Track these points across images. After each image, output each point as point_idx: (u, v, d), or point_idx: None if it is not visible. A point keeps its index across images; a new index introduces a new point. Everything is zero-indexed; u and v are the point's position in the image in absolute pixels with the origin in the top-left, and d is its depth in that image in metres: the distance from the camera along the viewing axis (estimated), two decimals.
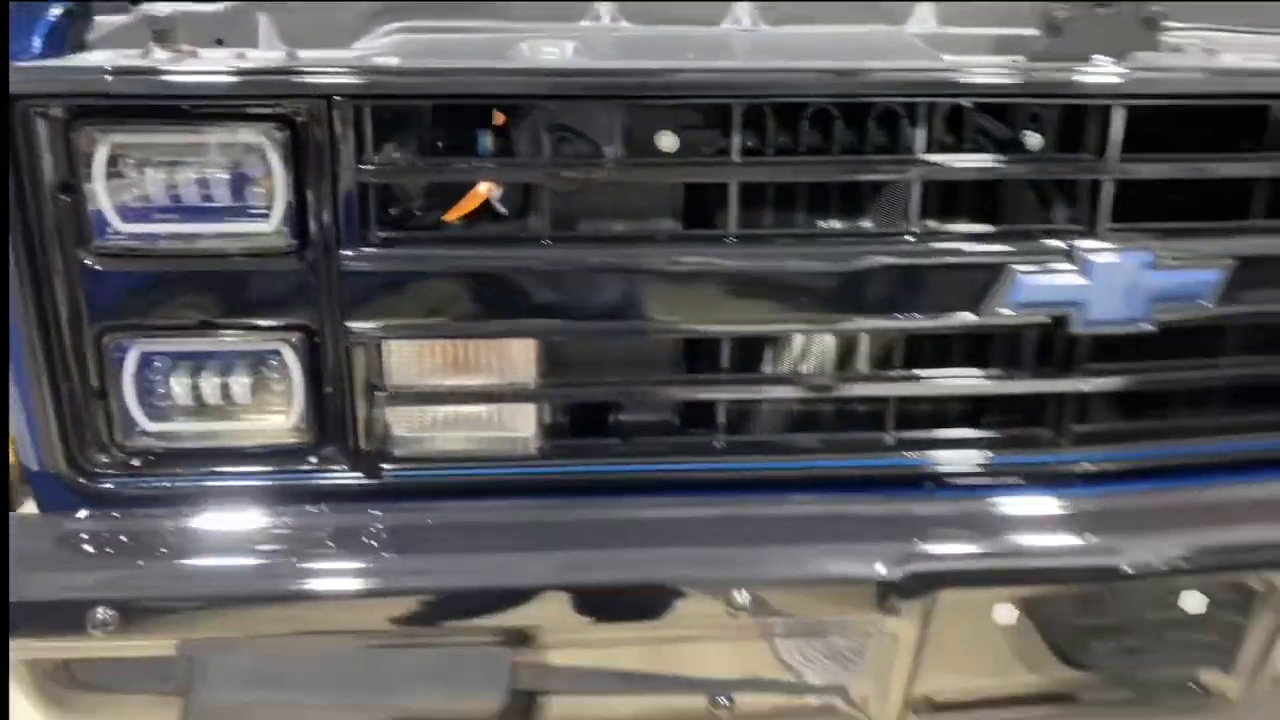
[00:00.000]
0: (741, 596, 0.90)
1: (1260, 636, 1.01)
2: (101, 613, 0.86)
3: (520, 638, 0.94)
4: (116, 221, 0.87)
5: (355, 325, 0.90)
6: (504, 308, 0.93)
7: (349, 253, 0.88)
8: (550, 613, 0.93)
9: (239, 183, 0.87)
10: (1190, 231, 0.97)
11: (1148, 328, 0.96)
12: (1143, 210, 0.96)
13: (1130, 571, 0.96)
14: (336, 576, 0.92)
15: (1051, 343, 0.99)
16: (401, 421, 0.96)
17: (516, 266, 0.92)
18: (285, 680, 0.91)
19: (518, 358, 0.95)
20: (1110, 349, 0.99)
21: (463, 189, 0.92)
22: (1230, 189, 0.99)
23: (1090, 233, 0.95)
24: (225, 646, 0.89)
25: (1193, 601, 0.98)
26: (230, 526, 0.94)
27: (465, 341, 0.94)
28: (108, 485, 0.94)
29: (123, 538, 0.92)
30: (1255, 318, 1.01)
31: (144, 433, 0.94)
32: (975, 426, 1.03)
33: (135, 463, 0.94)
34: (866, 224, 0.98)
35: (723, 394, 1.00)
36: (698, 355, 1.01)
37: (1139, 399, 1.04)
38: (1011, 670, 1.01)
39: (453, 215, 0.93)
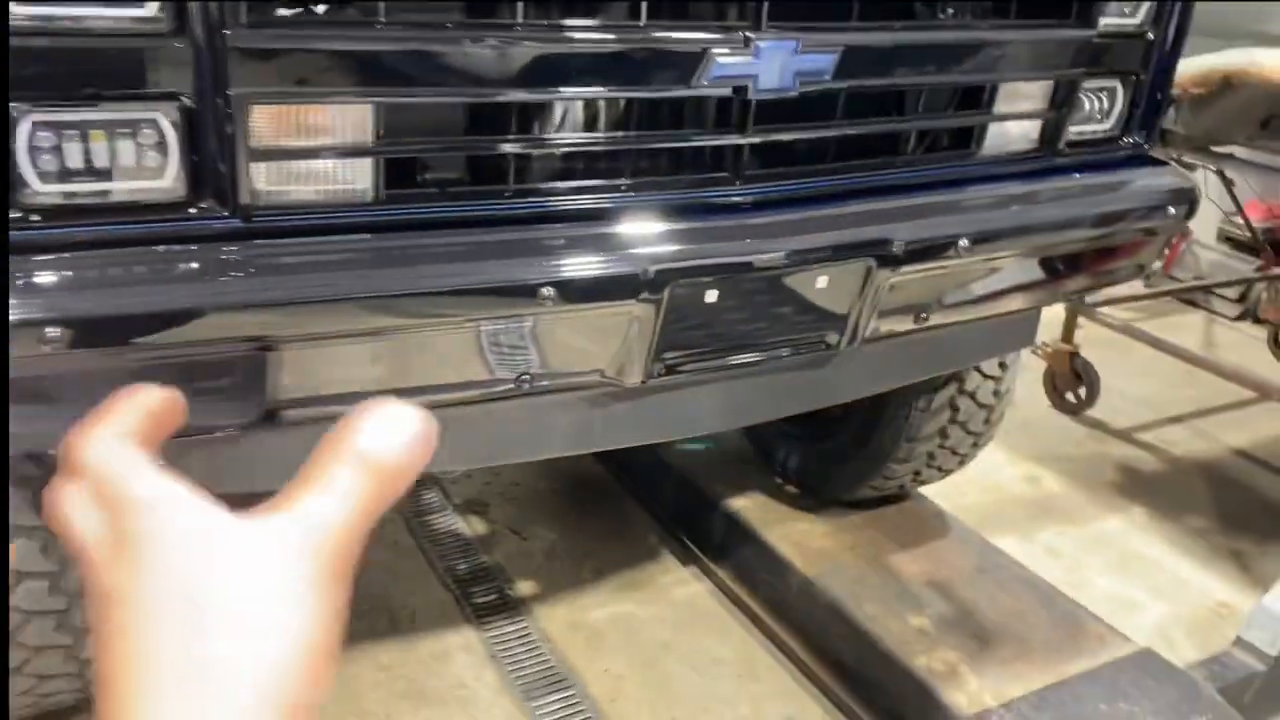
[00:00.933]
0: (547, 290, 1.26)
1: (861, 305, 1.54)
2: (50, 331, 1.05)
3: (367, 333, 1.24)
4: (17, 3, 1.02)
5: (231, 93, 1.12)
6: (347, 79, 1.18)
7: (228, 32, 1.09)
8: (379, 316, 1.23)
9: None
10: (817, 28, 1.42)
11: (793, 94, 1.41)
12: (791, 13, 1.38)
13: (784, 261, 1.43)
14: (210, 294, 1.15)
15: (731, 107, 1.41)
16: (262, 177, 1.19)
17: (355, 47, 1.17)
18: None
19: (357, 121, 1.21)
20: (769, 113, 1.43)
21: None
22: None
23: (757, 28, 1.36)
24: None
25: (821, 281, 1.48)
26: (122, 262, 1.14)
27: (316, 106, 1.18)
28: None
29: (46, 273, 1.09)
30: (856, 89, 1.50)
31: (36, 193, 1.10)
32: (681, 171, 1.44)
33: (34, 218, 1.10)
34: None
35: (505, 149, 1.32)
36: (488, 119, 1.32)
37: (787, 148, 1.50)
38: (717, 339, 1.46)
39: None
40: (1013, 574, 2.51)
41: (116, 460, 0.43)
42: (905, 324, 1.63)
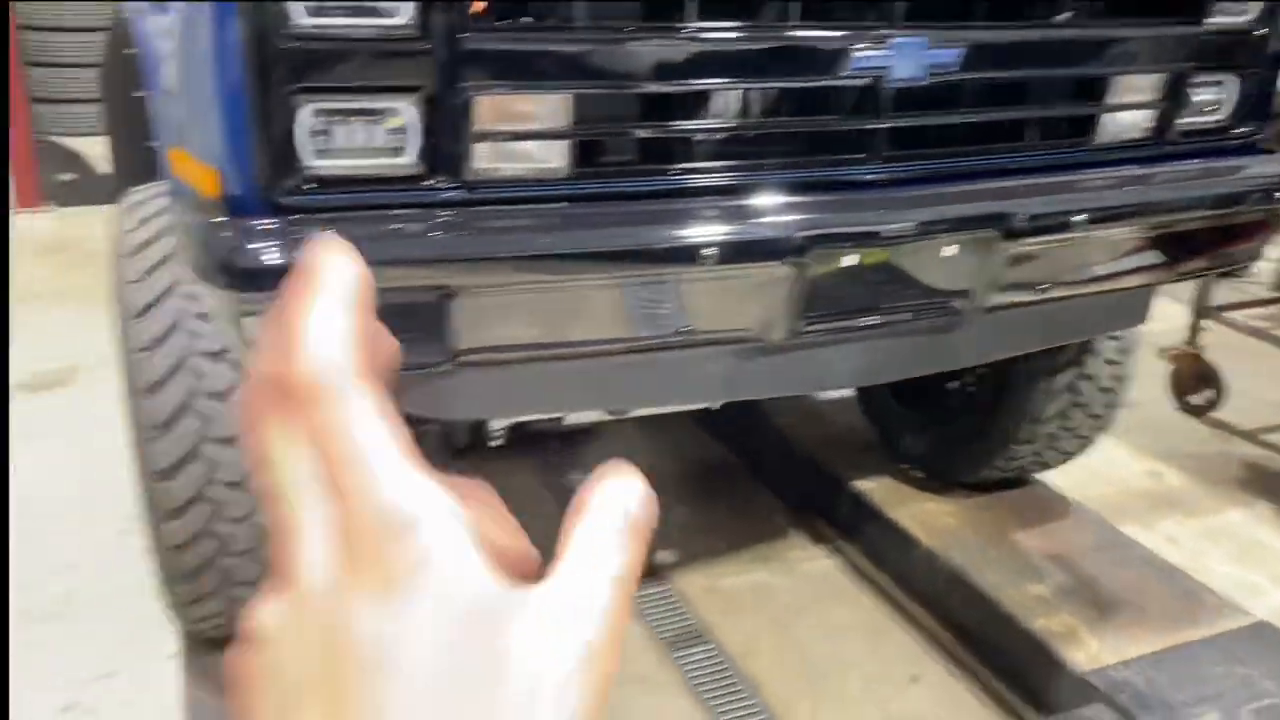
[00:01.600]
0: (709, 251, 1.49)
1: (984, 274, 1.72)
2: None
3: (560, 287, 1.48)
4: (302, 17, 1.30)
5: (463, 85, 1.39)
6: (551, 73, 1.44)
7: (462, 36, 1.36)
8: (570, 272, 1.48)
9: None
10: (945, 26, 1.62)
11: (924, 83, 1.61)
12: (922, 12, 1.59)
13: (915, 231, 1.63)
14: (449, 246, 1.42)
15: (869, 95, 1.62)
16: (483, 156, 1.45)
17: (559, 47, 1.43)
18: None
19: (557, 109, 1.47)
20: (902, 100, 1.64)
21: None
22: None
23: (892, 26, 1.57)
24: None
25: (949, 250, 1.67)
26: (376, 224, 1.41)
27: (527, 96, 1.44)
28: (292, 201, 1.38)
29: (318, 230, 1.37)
30: (979, 79, 1.69)
31: (310, 167, 1.39)
32: (824, 152, 1.66)
33: (308, 186, 1.39)
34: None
35: (675, 132, 1.56)
36: (661, 106, 1.56)
37: (919, 131, 1.70)
38: (853, 301, 1.66)
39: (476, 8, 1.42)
40: (1132, 553, 2.62)
41: (352, 419, 0.33)
42: (1025, 295, 1.81)
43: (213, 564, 1.82)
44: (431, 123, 1.40)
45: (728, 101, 1.59)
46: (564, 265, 1.45)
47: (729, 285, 1.56)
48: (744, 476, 3.32)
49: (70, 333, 4.28)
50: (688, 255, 1.49)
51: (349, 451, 0.33)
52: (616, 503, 0.40)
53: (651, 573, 2.82)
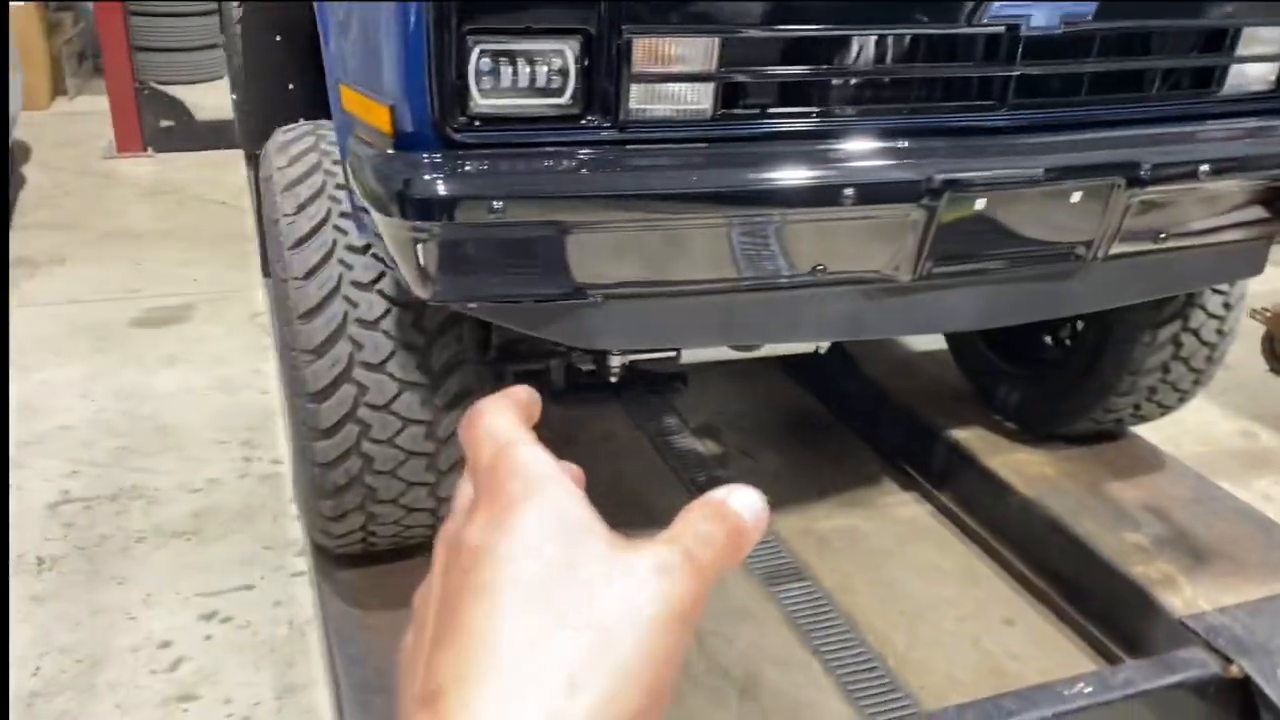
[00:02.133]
0: (849, 191, 1.56)
1: (1107, 220, 1.76)
2: (495, 202, 1.42)
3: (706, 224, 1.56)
4: None
5: (624, 28, 1.46)
6: (703, 17, 1.51)
7: None
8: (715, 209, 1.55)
9: None
10: None
11: (1058, 33, 1.65)
12: None
13: (1043, 176, 1.68)
14: (599, 181, 1.50)
15: (1001, 43, 1.66)
16: (636, 97, 1.53)
17: None
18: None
19: (705, 52, 1.54)
20: (1034, 49, 1.68)
21: None
22: None
23: None
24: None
25: (1075, 196, 1.72)
26: (536, 159, 1.50)
27: (679, 39, 1.51)
28: (462, 137, 1.47)
29: (482, 164, 1.46)
30: (1112, 30, 1.72)
31: (478, 105, 1.47)
32: (955, 99, 1.71)
33: (476, 124, 1.48)
34: None
35: (814, 77, 1.62)
36: (801, 51, 1.62)
37: (1048, 80, 1.74)
38: (979, 244, 1.72)
39: None
40: (1228, 505, 2.64)
41: (512, 430, 0.46)
42: (1144, 243, 1.84)
43: (358, 481, 1.94)
44: (590, 64, 1.48)
45: (867, 47, 1.65)
46: (711, 204, 1.52)
47: (864, 226, 1.62)
48: (833, 425, 3.39)
49: (180, 271, 4.47)
50: (828, 196, 1.55)
51: (508, 446, 0.45)
52: (731, 507, 0.45)
53: None
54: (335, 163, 1.96)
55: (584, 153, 1.51)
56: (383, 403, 1.89)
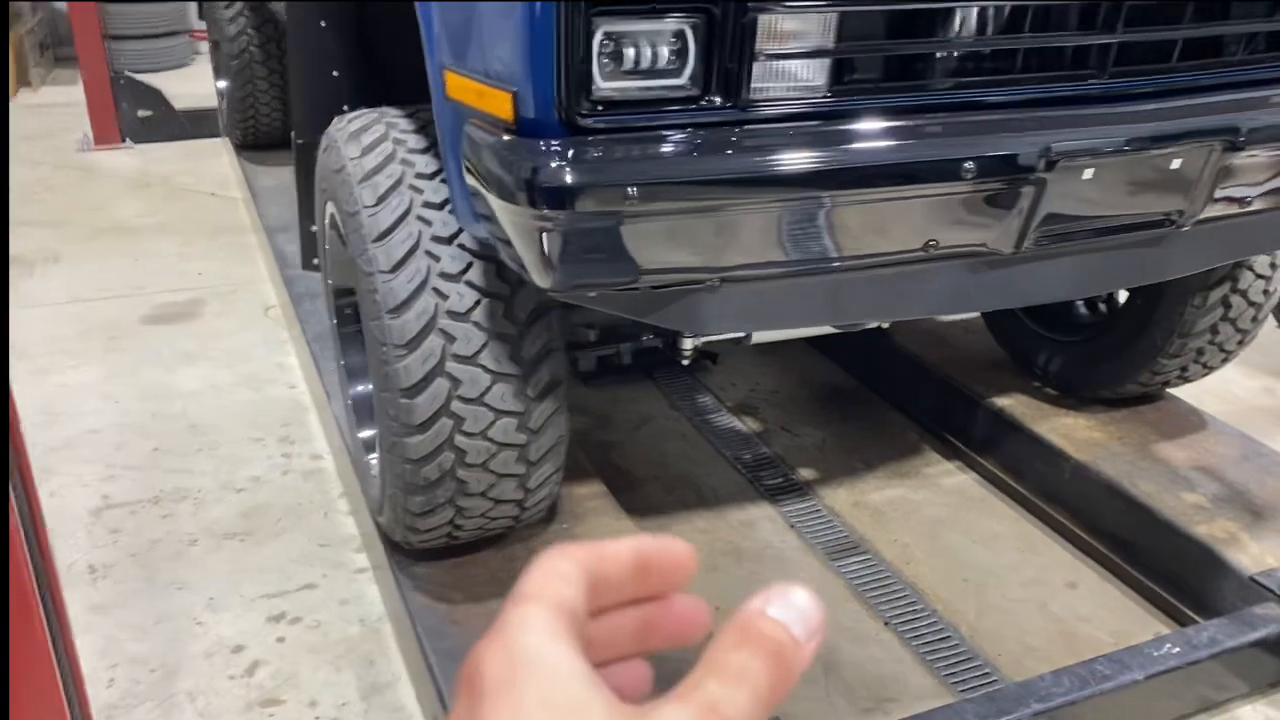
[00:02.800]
0: (969, 165, 1.55)
1: (1203, 186, 1.77)
2: (631, 189, 1.39)
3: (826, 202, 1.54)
4: None
5: (750, 4, 1.43)
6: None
7: None
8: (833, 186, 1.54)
9: None
10: None
11: None
12: None
13: (1149, 144, 1.68)
14: (732, 163, 1.48)
15: (1105, 11, 1.65)
16: (757, 75, 1.51)
17: None
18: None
19: (823, 28, 1.51)
20: (1134, 16, 1.67)
21: None
22: None
23: None
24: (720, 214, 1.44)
25: (1175, 162, 1.72)
26: (665, 143, 1.47)
27: (801, 15, 1.49)
28: (587, 122, 1.44)
29: (609, 150, 1.43)
30: None
31: (599, 89, 1.44)
32: (1056, 68, 1.70)
33: (598, 108, 1.45)
34: None
35: (927, 50, 1.61)
36: (908, 26, 1.60)
37: (1140, 47, 1.74)
38: (1082, 213, 1.72)
39: None
40: (1275, 460, 2.69)
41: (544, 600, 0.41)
42: (1232, 207, 1.86)
43: (449, 475, 1.91)
44: (710, 44, 1.45)
45: (974, 19, 1.63)
46: (841, 182, 1.51)
47: (980, 199, 1.61)
48: (869, 398, 3.40)
49: (181, 265, 4.37)
50: (950, 170, 1.54)
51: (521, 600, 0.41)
52: (768, 623, 0.39)
53: (796, 489, 2.92)
54: (411, 151, 1.91)
55: (708, 135, 1.49)
56: (476, 395, 1.86)
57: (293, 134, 2.57)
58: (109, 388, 3.35)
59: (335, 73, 2.40)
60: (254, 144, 5.16)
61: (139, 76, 6.28)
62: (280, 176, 4.87)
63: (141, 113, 6.03)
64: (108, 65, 5.84)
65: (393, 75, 2.36)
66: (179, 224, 4.86)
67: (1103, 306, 2.95)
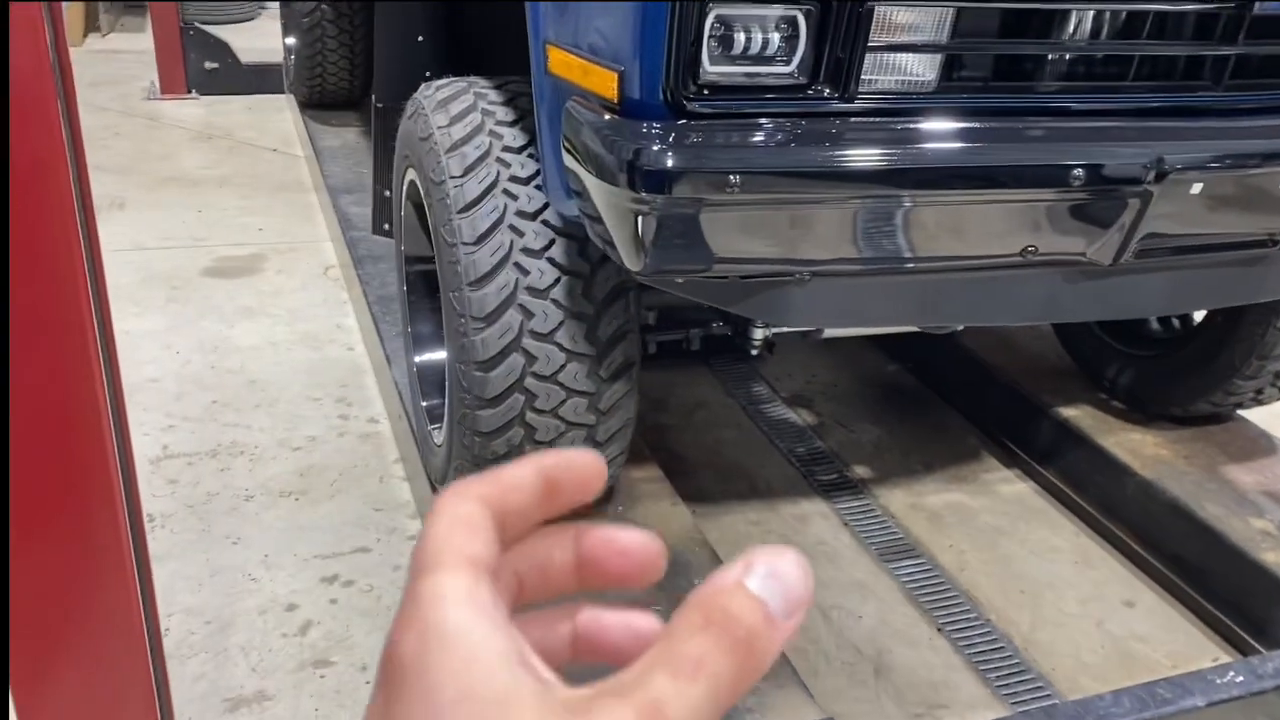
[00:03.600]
0: (1078, 172, 1.50)
1: None
2: (733, 177, 1.36)
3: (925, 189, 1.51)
4: None
5: None
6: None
7: None
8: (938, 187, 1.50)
9: None
10: None
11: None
12: None
13: (1258, 159, 1.63)
14: (836, 156, 1.45)
15: (1229, 20, 1.60)
16: (867, 67, 1.47)
17: None
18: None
19: (939, 22, 1.48)
20: (1257, 28, 1.62)
21: None
22: None
23: None
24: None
25: None
26: (770, 132, 1.44)
27: (915, 8, 1.45)
28: (692, 106, 1.41)
29: (712, 136, 1.41)
30: None
31: (707, 72, 1.41)
32: (1178, 78, 1.65)
33: (705, 92, 1.42)
34: None
35: (1037, 51, 1.56)
36: (1020, 25, 1.56)
37: (1255, 61, 1.69)
38: (1184, 228, 1.67)
39: None
40: None
41: (454, 543, 0.36)
42: None
43: (517, 451, 1.90)
44: (822, 33, 1.42)
45: (1088, 21, 1.58)
46: (945, 181, 1.47)
47: (1083, 207, 1.57)
48: (928, 398, 3.35)
49: (243, 219, 4.40)
50: (1058, 176, 1.50)
51: (429, 559, 0.36)
52: (738, 604, 0.33)
53: (851, 487, 2.89)
54: (499, 124, 1.90)
55: (813, 125, 1.45)
56: (550, 373, 1.84)
57: (373, 97, 2.56)
58: (170, 338, 3.38)
59: (421, 38, 2.39)
60: (319, 103, 5.18)
61: (207, 28, 6.31)
62: (345, 137, 4.88)
63: (208, 64, 6.06)
64: (178, 15, 5.87)
65: (480, 45, 2.34)
66: (241, 178, 4.88)
67: (1177, 322, 2.89)
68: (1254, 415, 2.94)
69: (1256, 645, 2.31)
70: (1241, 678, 2.04)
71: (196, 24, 6.13)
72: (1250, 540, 2.41)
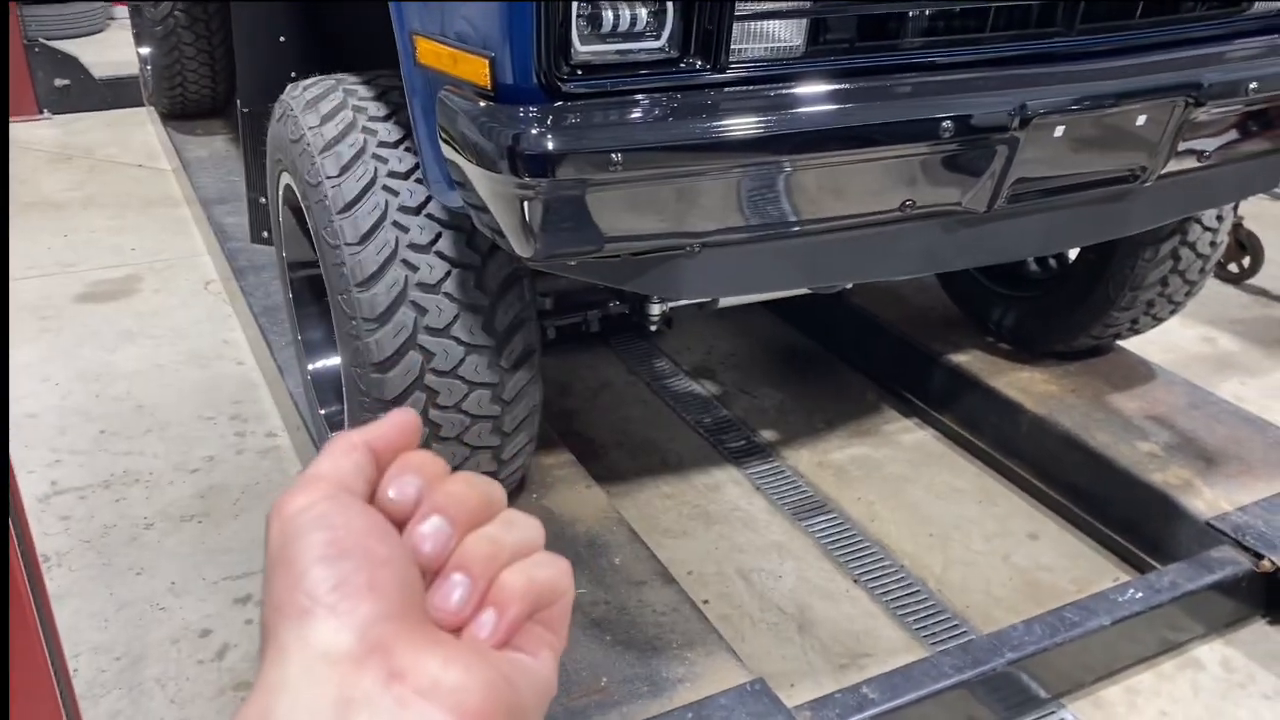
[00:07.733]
0: (947, 125, 1.55)
1: (1166, 141, 1.80)
2: (615, 155, 1.36)
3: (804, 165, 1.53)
4: None
5: None
6: None
7: None
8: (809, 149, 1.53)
9: None
10: None
11: None
12: None
13: (1119, 100, 1.70)
14: (714, 127, 1.46)
15: None
16: (738, 36, 1.48)
17: None
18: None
19: None
20: None
21: None
22: None
23: None
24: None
25: (1141, 119, 1.74)
26: (647, 108, 1.44)
27: None
28: (567, 87, 1.40)
29: (589, 116, 1.40)
30: None
31: (578, 52, 1.41)
32: (1032, 26, 1.71)
33: (577, 73, 1.41)
34: None
35: (896, 9, 1.60)
36: None
37: (1112, 3, 1.75)
38: (1051, 171, 1.73)
39: None
40: (1222, 408, 2.77)
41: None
42: (1193, 161, 1.89)
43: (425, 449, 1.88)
44: (690, 5, 1.43)
45: None
46: (826, 144, 1.50)
47: (956, 158, 1.62)
48: (826, 358, 3.42)
49: (113, 240, 4.23)
50: (929, 130, 1.54)
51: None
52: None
53: (758, 451, 2.93)
54: (372, 119, 1.86)
55: (689, 98, 1.46)
56: (449, 368, 1.82)
57: (238, 102, 2.48)
58: (47, 369, 3.23)
59: (282, 38, 2.32)
60: (182, 113, 4.99)
61: (53, 43, 6.02)
62: (213, 146, 4.72)
63: (58, 81, 5.79)
64: (20, 32, 5.59)
65: (344, 41, 2.29)
66: (107, 197, 4.69)
67: (1054, 262, 3.00)
68: (1131, 344, 3.08)
69: (1152, 562, 2.43)
70: (1141, 594, 2.15)
71: (41, 39, 5.84)
72: (1139, 463, 2.53)
